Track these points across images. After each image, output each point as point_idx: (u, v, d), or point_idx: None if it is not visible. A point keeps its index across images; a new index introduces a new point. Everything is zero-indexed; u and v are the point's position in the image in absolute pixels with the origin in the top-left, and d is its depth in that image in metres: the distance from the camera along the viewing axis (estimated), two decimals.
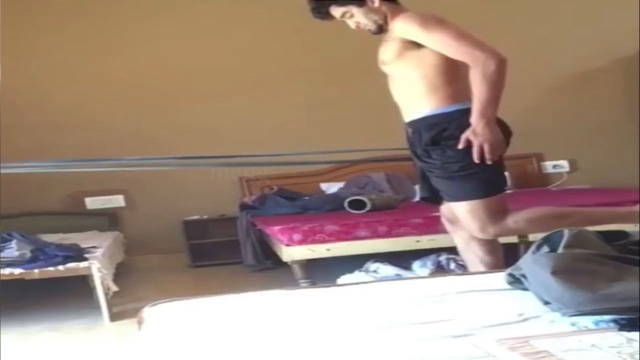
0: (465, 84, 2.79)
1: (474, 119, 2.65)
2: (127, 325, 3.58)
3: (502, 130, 2.77)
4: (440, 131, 2.77)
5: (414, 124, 2.88)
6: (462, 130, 2.70)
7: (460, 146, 2.66)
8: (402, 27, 2.76)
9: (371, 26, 2.89)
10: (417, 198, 5.58)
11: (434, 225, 3.88)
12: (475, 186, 2.76)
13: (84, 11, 5.74)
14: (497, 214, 2.79)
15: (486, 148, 2.64)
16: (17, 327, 3.81)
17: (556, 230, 2.01)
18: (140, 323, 1.91)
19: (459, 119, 2.74)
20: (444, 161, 2.78)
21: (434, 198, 3.03)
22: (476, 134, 2.64)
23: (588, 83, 6.17)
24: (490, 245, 2.98)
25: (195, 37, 5.84)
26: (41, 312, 4.15)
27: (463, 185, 2.77)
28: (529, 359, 1.34)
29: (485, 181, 2.76)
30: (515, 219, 2.81)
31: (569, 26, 6.07)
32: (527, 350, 1.39)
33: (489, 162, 2.65)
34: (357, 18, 2.89)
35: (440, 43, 2.70)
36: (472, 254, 2.99)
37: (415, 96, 2.85)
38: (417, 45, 2.76)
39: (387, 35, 2.89)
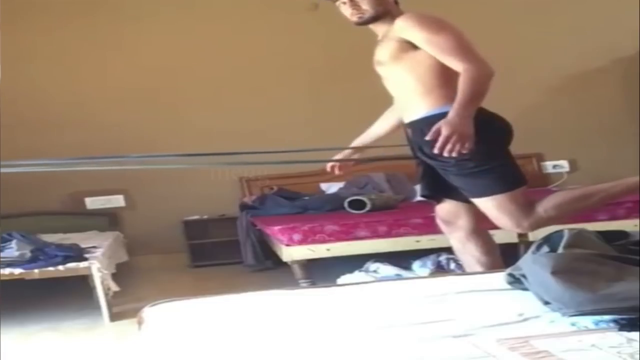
0: None
1: (452, 111, 2.56)
2: (127, 325, 3.58)
3: (502, 128, 2.75)
4: None
5: (413, 124, 2.88)
6: None
7: (429, 137, 2.55)
8: (402, 27, 2.75)
9: (369, 14, 2.83)
10: (417, 198, 5.60)
11: (434, 225, 3.85)
12: (496, 180, 2.73)
13: (84, 11, 5.73)
14: (526, 207, 2.76)
15: (453, 139, 2.50)
16: (17, 327, 3.81)
17: (556, 230, 2.02)
18: (140, 323, 1.91)
19: None
20: (457, 158, 2.71)
21: (434, 196, 3.02)
22: (448, 124, 2.52)
23: (588, 83, 6.16)
24: (487, 246, 2.98)
25: (196, 36, 5.84)
26: (41, 312, 4.15)
27: (483, 182, 2.74)
28: (529, 359, 1.34)
29: (505, 174, 2.73)
30: (544, 208, 2.77)
31: (569, 26, 6.06)
32: (527, 350, 1.39)
33: (446, 154, 2.52)
34: (362, 3, 2.84)
35: (435, 47, 2.69)
36: (469, 255, 2.99)
37: (411, 98, 2.85)
38: (414, 47, 2.75)
39: (383, 35, 2.88)
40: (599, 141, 6.09)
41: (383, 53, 2.85)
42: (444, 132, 2.52)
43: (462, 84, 2.61)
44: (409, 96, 2.85)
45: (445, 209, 3.01)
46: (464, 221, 2.96)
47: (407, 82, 2.82)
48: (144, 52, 5.81)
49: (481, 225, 3.00)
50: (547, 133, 5.98)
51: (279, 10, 5.77)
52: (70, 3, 5.74)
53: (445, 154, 2.52)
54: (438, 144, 2.52)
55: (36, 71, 5.67)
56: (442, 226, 3.07)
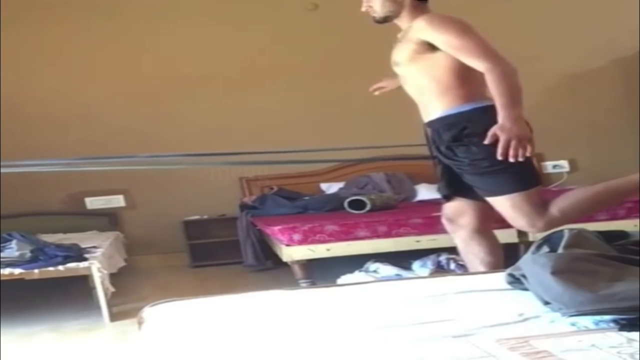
0: (480, 83, 2.75)
1: (501, 115, 2.58)
2: (127, 325, 3.58)
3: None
4: (461, 130, 2.76)
5: (432, 124, 2.88)
6: (484, 127, 2.67)
7: (487, 141, 2.58)
8: (422, 28, 2.75)
9: (379, 14, 2.86)
10: (417, 198, 5.61)
11: (434, 225, 3.88)
12: (511, 179, 2.72)
13: (89, 10, 5.73)
14: (540, 207, 2.75)
15: (513, 144, 2.54)
16: (17, 328, 3.80)
17: (556, 230, 2.02)
18: (140, 323, 1.90)
19: (479, 116, 2.73)
20: (472, 158, 2.75)
21: (454, 195, 3.00)
22: (503, 129, 2.56)
23: (588, 83, 6.17)
24: (490, 245, 2.98)
25: (197, 36, 5.84)
26: (41, 312, 4.15)
27: (498, 181, 2.73)
28: (529, 359, 1.34)
29: (520, 174, 2.71)
30: (557, 208, 2.75)
31: (569, 26, 6.07)
32: (527, 350, 1.39)
33: (512, 159, 2.56)
34: (373, 3, 2.87)
35: (457, 50, 2.69)
36: (472, 255, 2.98)
37: (428, 98, 2.85)
38: (432, 48, 2.75)
39: (401, 35, 2.88)
40: (599, 141, 6.09)
41: (401, 54, 2.85)
42: (502, 137, 2.55)
43: (493, 87, 2.61)
44: (426, 96, 2.86)
45: (451, 207, 3.01)
46: (467, 220, 2.95)
47: (424, 82, 2.82)
48: (147, 52, 5.81)
49: (486, 226, 3.00)
50: (547, 133, 5.96)
51: (279, 10, 5.78)
52: (74, 2, 5.74)
53: (511, 159, 2.55)
54: (500, 150, 2.55)
55: (38, 71, 5.67)
56: (446, 225, 3.07)
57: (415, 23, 2.78)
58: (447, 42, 2.70)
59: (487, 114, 2.71)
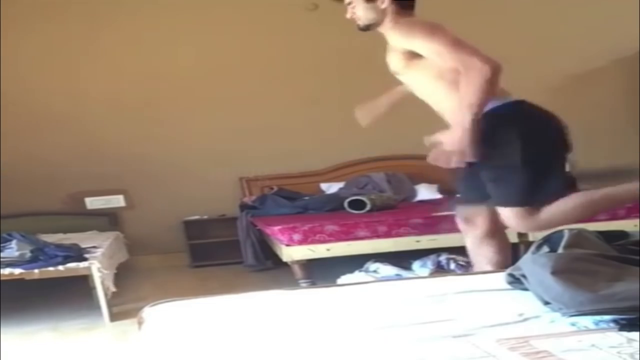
0: None
1: (461, 114, 2.58)
2: (127, 325, 3.59)
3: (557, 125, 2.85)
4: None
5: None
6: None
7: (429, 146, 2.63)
8: (395, 38, 2.75)
9: (362, 21, 2.86)
10: (417, 198, 5.61)
11: (434, 225, 3.89)
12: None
13: (85, 12, 5.72)
14: (533, 208, 2.75)
15: (454, 156, 2.60)
16: (17, 327, 3.81)
17: (556, 230, 2.02)
18: (140, 323, 1.91)
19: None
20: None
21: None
22: (458, 132, 2.58)
23: (588, 83, 6.16)
24: (500, 245, 2.97)
25: (195, 37, 5.83)
26: (41, 312, 4.15)
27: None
28: (529, 359, 1.34)
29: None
30: (551, 213, 2.75)
31: (569, 26, 6.06)
32: (527, 350, 1.39)
33: (443, 165, 2.61)
34: (357, 10, 2.86)
35: (431, 50, 2.67)
36: (481, 255, 2.97)
37: (439, 99, 2.82)
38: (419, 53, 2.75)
39: (390, 44, 2.88)
40: (599, 141, 6.09)
41: (395, 64, 2.84)
42: (447, 147, 2.57)
43: (464, 88, 2.58)
44: (435, 98, 2.84)
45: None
46: (483, 219, 2.94)
47: (430, 85, 2.81)
48: (143, 54, 5.80)
49: (499, 226, 2.99)
50: None
51: (279, 10, 5.77)
52: (70, 5, 5.74)
53: (443, 165, 2.59)
54: (432, 155, 2.59)
55: (37, 71, 5.66)
56: (461, 224, 3.05)
57: (389, 35, 2.78)
58: (420, 47, 2.68)
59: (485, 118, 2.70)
